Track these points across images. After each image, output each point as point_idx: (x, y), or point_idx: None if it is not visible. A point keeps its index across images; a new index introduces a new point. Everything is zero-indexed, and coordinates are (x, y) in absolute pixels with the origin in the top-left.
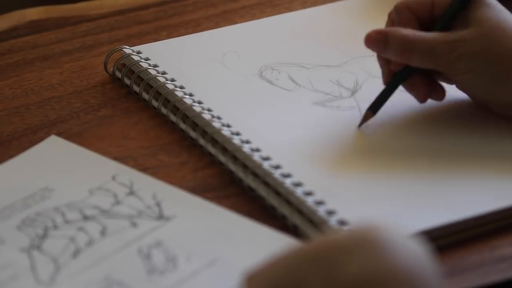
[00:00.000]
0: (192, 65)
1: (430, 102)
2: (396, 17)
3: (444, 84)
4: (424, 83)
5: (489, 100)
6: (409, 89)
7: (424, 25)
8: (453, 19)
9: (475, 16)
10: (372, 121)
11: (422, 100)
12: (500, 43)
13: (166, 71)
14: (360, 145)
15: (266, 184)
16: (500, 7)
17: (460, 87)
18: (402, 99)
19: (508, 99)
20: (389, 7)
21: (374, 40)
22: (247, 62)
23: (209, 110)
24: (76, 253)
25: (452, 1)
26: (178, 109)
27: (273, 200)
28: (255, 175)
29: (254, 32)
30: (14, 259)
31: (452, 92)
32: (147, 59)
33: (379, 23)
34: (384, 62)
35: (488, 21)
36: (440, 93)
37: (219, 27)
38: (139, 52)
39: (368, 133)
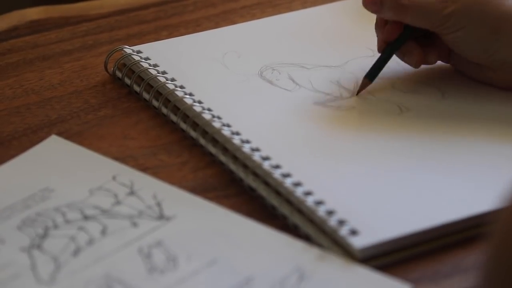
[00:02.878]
0: (192, 65)
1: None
2: None
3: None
4: (417, 49)
5: (479, 59)
6: (402, 56)
7: None
8: None
9: None
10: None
11: (416, 65)
12: (491, 1)
13: (166, 70)
14: (361, 145)
15: (266, 183)
16: None
17: (453, 46)
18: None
19: (499, 57)
20: None
21: (371, 1)
22: (248, 62)
23: (209, 109)
24: (76, 252)
25: None
26: (178, 109)
27: (273, 200)
28: (255, 174)
29: (254, 32)
30: (15, 259)
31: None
32: (147, 59)
33: None
34: (380, 30)
35: None
36: (431, 58)
37: (219, 27)
38: (139, 52)
39: (368, 133)
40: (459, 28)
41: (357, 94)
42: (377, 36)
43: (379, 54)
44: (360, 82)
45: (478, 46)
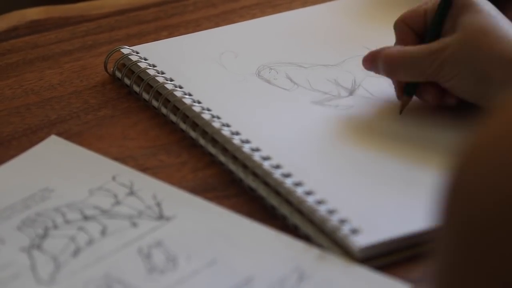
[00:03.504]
0: (191, 64)
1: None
2: (396, 33)
3: None
4: (435, 86)
5: (481, 104)
6: (421, 95)
7: (421, 36)
8: (439, 27)
9: (460, 21)
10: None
11: (434, 103)
12: (481, 47)
13: (165, 70)
14: (360, 145)
15: (266, 184)
16: (488, 11)
17: (453, 92)
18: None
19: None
20: (388, 6)
21: (367, 61)
22: (245, 61)
23: (208, 110)
24: (76, 252)
25: (437, 9)
26: (178, 109)
27: (273, 200)
28: (255, 175)
29: (252, 32)
30: (15, 259)
31: None
32: (146, 59)
33: (378, 22)
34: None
35: (472, 25)
36: (451, 97)
37: (219, 27)
38: (138, 52)
39: (367, 132)
40: (452, 77)
41: (400, 113)
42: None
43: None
44: (357, 80)
45: (474, 93)
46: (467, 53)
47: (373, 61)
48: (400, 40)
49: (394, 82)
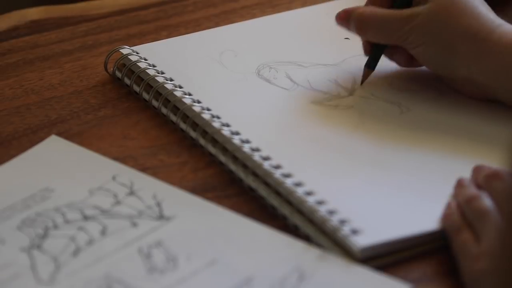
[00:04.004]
0: (191, 64)
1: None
2: None
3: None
4: (403, 50)
5: (443, 74)
6: (390, 56)
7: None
8: None
9: None
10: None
11: (402, 65)
12: (450, 20)
13: (165, 70)
14: (360, 144)
15: (266, 184)
16: None
17: (418, 59)
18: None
19: (458, 74)
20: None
21: (341, 19)
22: (245, 61)
23: (208, 109)
24: (76, 252)
25: None
26: (178, 109)
27: (273, 200)
28: (255, 175)
29: (252, 31)
30: (15, 259)
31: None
32: (146, 59)
33: None
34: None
35: None
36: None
37: (219, 27)
38: (138, 52)
39: (367, 132)
40: (418, 45)
41: (361, 84)
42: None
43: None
44: (356, 80)
45: (438, 62)
46: (436, 24)
47: (346, 18)
48: (371, 1)
49: (363, 42)
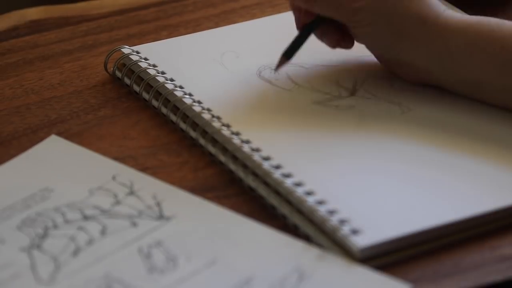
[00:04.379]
0: (191, 64)
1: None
2: None
3: None
4: (334, 31)
5: (388, 58)
6: (320, 36)
7: None
8: None
9: None
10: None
11: (332, 47)
12: (401, 3)
13: (166, 70)
14: (361, 145)
15: (266, 184)
16: None
17: (361, 40)
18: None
19: (405, 58)
20: None
21: None
22: (246, 61)
23: (208, 109)
24: (76, 252)
25: None
26: (178, 108)
27: (273, 200)
28: (255, 175)
29: (253, 32)
30: (15, 259)
31: None
32: (146, 59)
33: None
34: (297, 11)
35: None
36: (348, 42)
37: (219, 27)
38: (138, 52)
39: (367, 132)
40: (366, 24)
41: (275, 70)
42: (294, 15)
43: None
44: (358, 80)
45: (383, 44)
46: (386, 5)
47: None
48: None
49: (296, 15)
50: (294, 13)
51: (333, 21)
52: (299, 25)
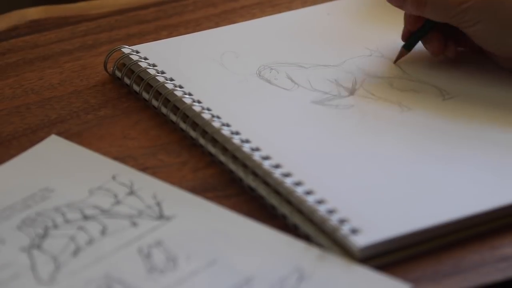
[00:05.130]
0: (191, 64)
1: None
2: None
3: None
4: (438, 39)
5: (499, 53)
6: (425, 43)
7: None
8: None
9: None
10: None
11: (436, 54)
12: None
13: (166, 70)
14: (360, 144)
15: (266, 183)
16: None
17: (473, 38)
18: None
19: None
20: (388, 6)
21: None
22: (246, 61)
23: (208, 109)
24: (76, 252)
25: None
26: (178, 108)
27: (273, 200)
28: (255, 174)
29: (253, 32)
30: (15, 259)
31: None
32: (146, 58)
33: (378, 22)
34: (406, 20)
35: None
36: (451, 51)
37: (219, 27)
38: (138, 52)
39: (367, 132)
40: (475, 23)
41: (395, 62)
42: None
43: (378, 52)
44: (357, 80)
45: (495, 40)
46: (492, 1)
47: None
48: None
49: (405, 24)
50: (404, 23)
51: (439, 29)
52: (405, 35)
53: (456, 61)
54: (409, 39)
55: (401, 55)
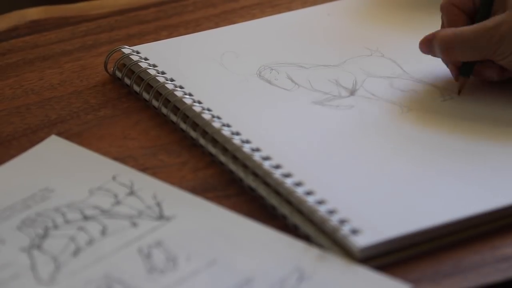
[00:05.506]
0: (191, 65)
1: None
2: (444, 17)
3: None
4: (490, 67)
5: None
6: (478, 74)
7: (473, 16)
8: (489, 7)
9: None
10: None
11: (495, 79)
12: None
13: (166, 71)
14: (361, 144)
15: (266, 184)
16: None
17: (511, 68)
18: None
19: None
20: (388, 6)
21: (423, 45)
22: (246, 62)
23: (209, 110)
24: (76, 252)
25: None
26: (178, 109)
27: (273, 200)
28: (255, 175)
29: (253, 32)
30: (15, 259)
31: None
32: (147, 59)
33: (378, 22)
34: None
35: None
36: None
37: (219, 27)
38: (139, 52)
39: (367, 132)
40: (510, 53)
41: (459, 93)
42: (447, 65)
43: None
44: (357, 80)
45: None
46: None
47: (429, 44)
48: (450, 22)
49: (449, 65)
50: (447, 64)
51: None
52: (456, 75)
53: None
54: (463, 66)
55: (463, 84)
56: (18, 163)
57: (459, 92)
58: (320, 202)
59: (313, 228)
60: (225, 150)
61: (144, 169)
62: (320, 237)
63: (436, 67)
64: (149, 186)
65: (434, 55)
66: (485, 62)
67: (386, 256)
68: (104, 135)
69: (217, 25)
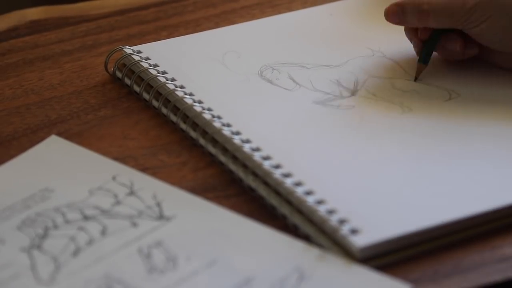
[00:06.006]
0: (192, 65)
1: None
2: None
3: None
4: (456, 41)
5: (504, 49)
6: (442, 50)
7: None
8: None
9: None
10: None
11: (460, 57)
12: None
13: (166, 71)
14: (361, 144)
15: (266, 184)
16: None
17: (479, 38)
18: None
19: None
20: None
21: (393, 13)
22: (248, 62)
23: (209, 109)
24: (76, 252)
25: None
26: (178, 109)
27: (273, 200)
28: (255, 175)
29: (254, 32)
30: (15, 259)
31: None
32: (147, 59)
33: (379, 22)
34: (412, 34)
35: None
36: (472, 47)
37: (219, 27)
38: (139, 52)
39: (368, 132)
40: (482, 21)
41: (415, 80)
42: (411, 41)
43: (380, 52)
44: (359, 80)
45: (502, 36)
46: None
47: (400, 11)
48: None
49: (413, 39)
50: (411, 39)
51: (450, 33)
52: (419, 47)
53: (459, 62)
54: (422, 52)
55: (419, 70)
56: (18, 163)
57: (416, 79)
58: (320, 202)
59: (313, 228)
60: (225, 150)
61: (144, 169)
62: (320, 237)
63: (438, 67)
64: (149, 186)
65: (404, 23)
66: (449, 35)
67: (386, 256)
68: (104, 135)
69: (217, 25)
